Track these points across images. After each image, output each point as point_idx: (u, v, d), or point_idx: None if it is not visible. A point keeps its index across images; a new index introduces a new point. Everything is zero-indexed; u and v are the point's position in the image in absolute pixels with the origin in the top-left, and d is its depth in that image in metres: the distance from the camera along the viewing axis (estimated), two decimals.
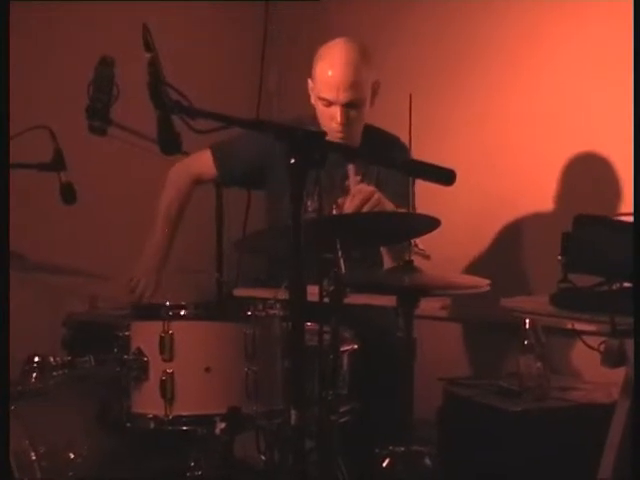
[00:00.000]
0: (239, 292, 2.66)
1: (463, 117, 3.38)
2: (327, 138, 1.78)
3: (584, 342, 2.52)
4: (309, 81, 2.85)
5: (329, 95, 2.73)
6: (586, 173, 3.01)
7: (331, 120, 2.76)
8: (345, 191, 2.69)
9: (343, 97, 2.72)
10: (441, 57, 3.46)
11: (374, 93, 2.83)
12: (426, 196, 2.90)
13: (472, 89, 3.36)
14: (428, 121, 2.94)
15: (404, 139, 2.71)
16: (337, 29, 3.87)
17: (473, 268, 3.25)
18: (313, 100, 2.85)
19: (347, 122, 2.75)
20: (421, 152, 2.77)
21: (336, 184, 2.73)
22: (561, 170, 3.11)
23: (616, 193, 2.89)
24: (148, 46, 1.76)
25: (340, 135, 2.76)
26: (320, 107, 2.79)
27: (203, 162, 2.97)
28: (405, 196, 2.48)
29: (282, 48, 4.12)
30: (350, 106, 2.74)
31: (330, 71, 2.73)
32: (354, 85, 2.72)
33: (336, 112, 2.73)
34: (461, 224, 3.26)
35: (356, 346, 2.45)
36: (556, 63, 3.10)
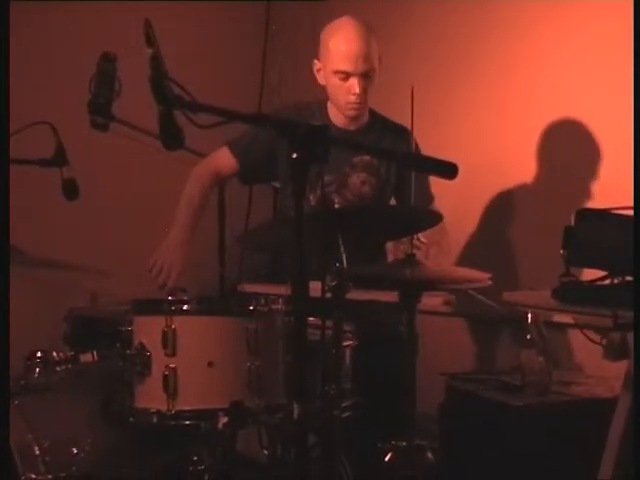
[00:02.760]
0: (242, 288, 2.66)
1: (463, 113, 3.38)
2: (329, 131, 1.78)
3: (586, 336, 2.52)
4: (315, 62, 2.88)
5: (348, 67, 2.78)
6: (588, 169, 3.01)
7: (348, 93, 2.81)
8: (351, 166, 2.86)
9: (362, 67, 2.78)
10: (440, 56, 3.47)
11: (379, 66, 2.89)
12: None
13: (472, 85, 3.36)
14: (429, 114, 2.95)
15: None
16: None
17: (475, 263, 3.24)
18: (321, 80, 2.87)
19: (362, 93, 2.81)
20: (422, 144, 2.79)
21: (343, 159, 2.85)
22: (563, 165, 3.11)
23: (617, 187, 2.89)
24: (150, 41, 1.75)
25: (356, 106, 2.84)
26: (335, 82, 2.82)
27: (222, 159, 2.97)
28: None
29: (283, 44, 4.12)
30: (365, 77, 2.80)
31: (345, 44, 2.79)
32: (369, 56, 2.79)
33: (354, 83, 2.78)
34: (463, 219, 3.26)
35: (358, 341, 2.45)
36: (554, 60, 3.10)
